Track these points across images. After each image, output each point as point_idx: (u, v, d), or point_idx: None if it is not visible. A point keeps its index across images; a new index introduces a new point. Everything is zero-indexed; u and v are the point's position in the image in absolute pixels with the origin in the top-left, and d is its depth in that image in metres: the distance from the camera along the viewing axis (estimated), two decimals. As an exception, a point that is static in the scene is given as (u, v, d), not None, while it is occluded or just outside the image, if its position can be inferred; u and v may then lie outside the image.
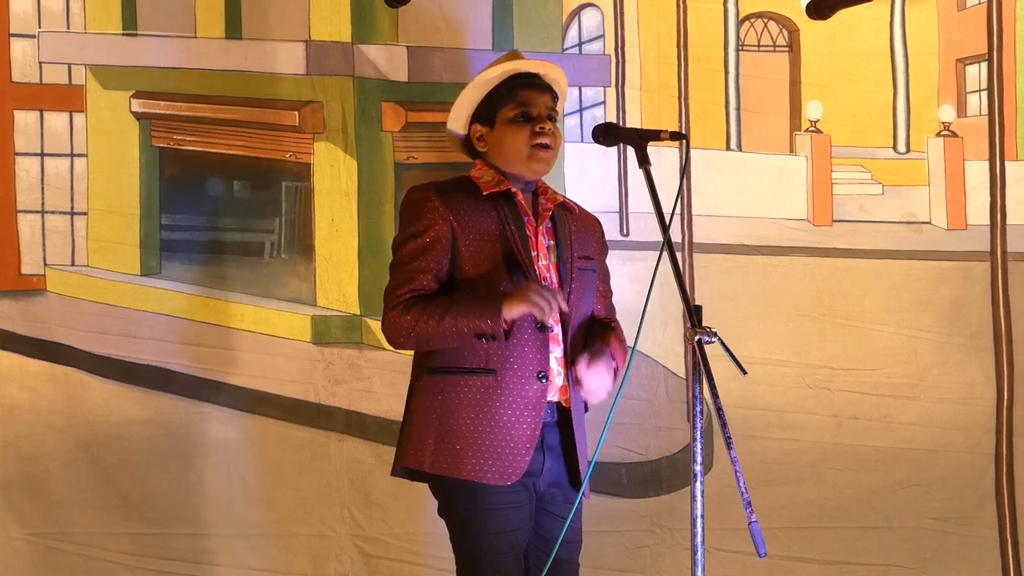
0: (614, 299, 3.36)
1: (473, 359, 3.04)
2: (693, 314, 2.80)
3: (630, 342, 3.02)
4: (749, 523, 2.64)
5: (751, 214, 4.52)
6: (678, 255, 3.85)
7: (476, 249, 3.07)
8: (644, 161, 3.00)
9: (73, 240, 4.17)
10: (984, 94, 4.63)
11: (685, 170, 4.30)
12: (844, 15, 4.49)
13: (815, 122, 4.57)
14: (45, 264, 4.15)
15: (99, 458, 4.10)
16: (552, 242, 3.17)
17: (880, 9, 4.57)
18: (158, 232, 4.20)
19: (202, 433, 4.17)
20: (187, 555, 4.13)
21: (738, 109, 4.53)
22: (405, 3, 4.18)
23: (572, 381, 3.10)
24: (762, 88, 4.56)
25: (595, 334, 3.19)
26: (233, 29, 4.23)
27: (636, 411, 4.33)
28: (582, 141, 4.38)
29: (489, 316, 2.95)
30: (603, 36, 4.47)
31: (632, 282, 3.99)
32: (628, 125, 4.34)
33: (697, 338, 2.76)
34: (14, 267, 4.13)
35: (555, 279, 3.14)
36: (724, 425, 2.69)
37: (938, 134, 4.62)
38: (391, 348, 3.18)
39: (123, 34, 4.18)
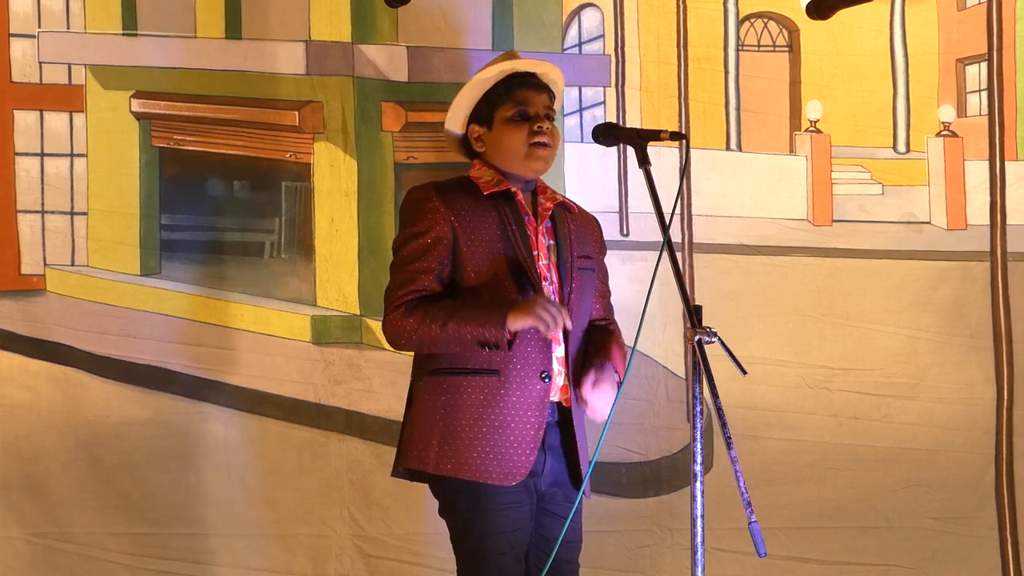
0: (614, 299, 3.37)
1: (476, 360, 3.04)
2: (693, 314, 2.80)
3: (630, 342, 3.02)
4: (749, 523, 2.64)
5: (751, 214, 4.52)
6: (678, 255, 3.85)
7: (477, 249, 3.07)
8: (644, 161, 3.00)
9: (73, 240, 4.17)
10: (984, 94, 4.63)
11: (685, 170, 4.30)
12: (844, 15, 4.49)
13: (815, 122, 4.57)
14: (45, 264, 4.15)
15: (99, 458, 4.10)
16: (552, 242, 3.17)
17: (880, 9, 4.56)
18: (158, 232, 4.20)
19: (202, 433, 4.17)
20: (187, 555, 4.13)
21: (738, 109, 4.53)
22: (405, 3, 4.18)
23: (575, 398, 3.11)
24: (762, 88, 4.56)
25: (596, 345, 3.19)
26: (233, 29, 4.23)
27: (636, 411, 4.33)
28: (582, 141, 4.38)
29: (493, 325, 2.96)
30: (603, 36, 4.47)
31: (632, 282, 3.99)
32: (628, 125, 4.34)
33: (697, 338, 2.76)
34: (14, 267, 4.13)
35: (555, 278, 3.14)
36: (724, 425, 2.69)
37: (938, 134, 4.62)
38: (391, 348, 3.18)
39: (123, 34, 4.18)
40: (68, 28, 4.16)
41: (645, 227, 4.32)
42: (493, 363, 3.03)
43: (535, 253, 3.11)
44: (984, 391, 4.58)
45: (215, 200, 4.25)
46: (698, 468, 2.79)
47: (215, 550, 4.14)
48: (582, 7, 4.47)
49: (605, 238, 3.38)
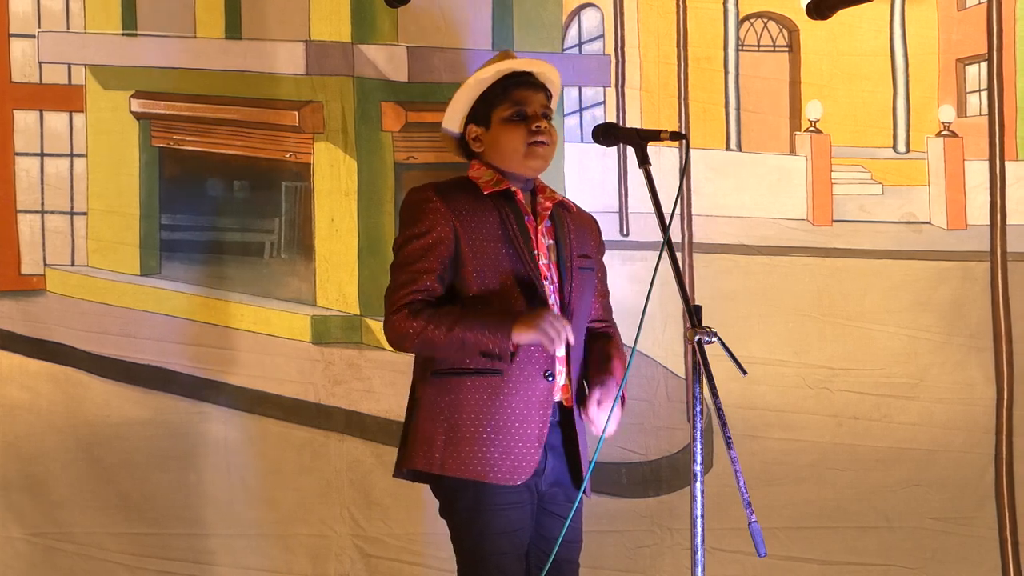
0: (614, 299, 3.37)
1: (478, 360, 3.03)
2: (693, 314, 2.80)
3: (630, 342, 3.02)
4: (749, 523, 2.64)
5: (751, 214, 4.52)
6: (678, 255, 3.84)
7: (479, 249, 3.07)
8: (644, 161, 3.00)
9: (73, 240, 4.17)
10: (984, 94, 4.63)
11: (685, 170, 4.30)
12: (844, 15, 4.49)
13: (815, 122, 4.57)
14: (45, 264, 4.15)
15: (99, 458, 4.10)
16: (551, 241, 3.17)
17: (880, 9, 4.56)
18: (158, 232, 4.20)
19: (202, 433, 4.17)
20: (187, 555, 4.13)
21: (738, 109, 4.52)
22: (405, 3, 4.18)
23: (580, 414, 3.12)
24: (762, 88, 4.56)
25: (599, 359, 3.19)
26: (233, 29, 4.23)
27: (636, 411, 4.32)
28: (582, 141, 4.38)
29: (498, 336, 2.96)
30: (603, 36, 4.47)
31: (632, 282, 3.99)
32: (628, 125, 4.34)
33: (697, 338, 2.76)
34: (14, 267, 4.13)
35: (555, 278, 3.14)
36: (724, 425, 2.69)
37: (938, 134, 4.62)
38: (391, 348, 3.18)
39: (123, 34, 4.18)
40: (68, 28, 4.16)
41: (645, 227, 4.32)
42: (496, 363, 3.03)
43: (535, 252, 3.11)
44: (984, 391, 4.57)
45: (215, 200, 4.25)
46: (698, 468, 2.79)
47: (215, 550, 4.14)
48: (582, 7, 4.47)
49: (605, 238, 3.38)
